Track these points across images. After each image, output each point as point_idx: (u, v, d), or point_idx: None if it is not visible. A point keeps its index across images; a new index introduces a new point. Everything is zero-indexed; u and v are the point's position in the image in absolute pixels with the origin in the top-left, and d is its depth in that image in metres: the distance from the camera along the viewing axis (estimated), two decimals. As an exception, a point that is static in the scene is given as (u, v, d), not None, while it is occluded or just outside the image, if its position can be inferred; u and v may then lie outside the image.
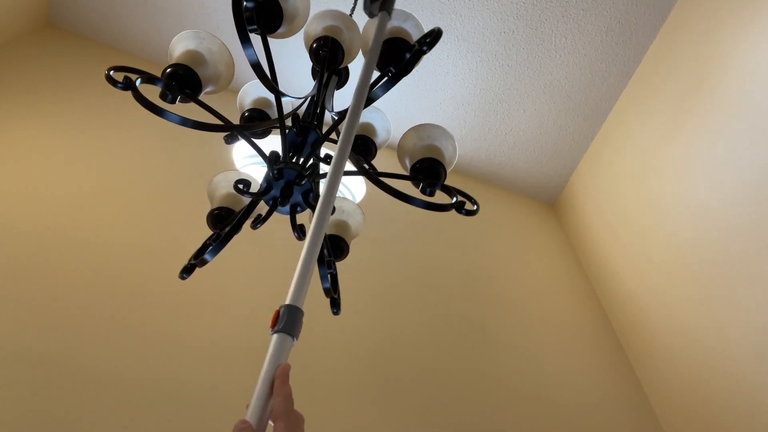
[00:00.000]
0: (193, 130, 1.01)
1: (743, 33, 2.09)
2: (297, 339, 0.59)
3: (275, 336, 0.58)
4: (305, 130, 1.12)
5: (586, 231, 2.90)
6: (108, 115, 2.26)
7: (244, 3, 1.06)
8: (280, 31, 1.15)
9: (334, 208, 1.22)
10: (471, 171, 3.14)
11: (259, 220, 1.12)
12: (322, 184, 0.86)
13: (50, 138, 2.03)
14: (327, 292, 1.17)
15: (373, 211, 2.15)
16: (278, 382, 0.53)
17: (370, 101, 1.03)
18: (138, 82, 0.94)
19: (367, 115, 1.29)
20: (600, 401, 2.14)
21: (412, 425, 1.73)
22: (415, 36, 1.12)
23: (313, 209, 1.06)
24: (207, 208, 1.24)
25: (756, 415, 1.80)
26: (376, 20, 1.09)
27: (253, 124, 1.24)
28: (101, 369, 1.47)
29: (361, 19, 1.27)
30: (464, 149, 3.04)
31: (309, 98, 1.24)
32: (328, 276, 1.16)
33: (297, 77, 2.67)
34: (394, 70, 1.03)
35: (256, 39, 1.11)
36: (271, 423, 0.52)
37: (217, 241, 1.07)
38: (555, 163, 3.08)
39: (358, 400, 1.73)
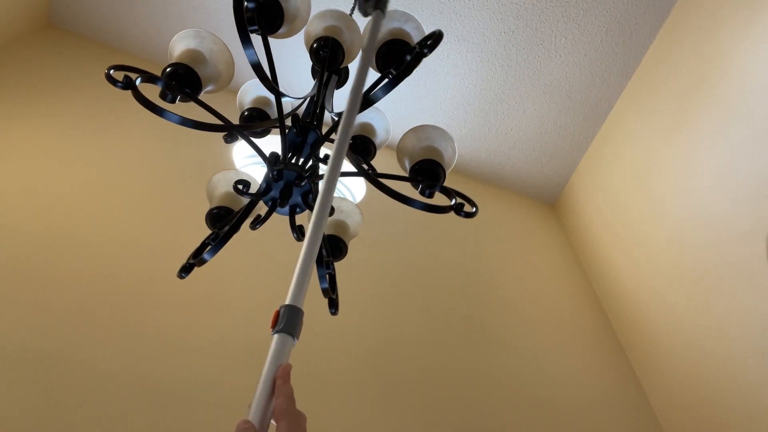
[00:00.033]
0: (193, 129, 1.01)
1: (743, 33, 2.09)
2: (297, 339, 0.59)
3: (276, 336, 0.58)
4: (305, 131, 1.12)
5: (586, 231, 2.90)
6: (108, 115, 2.26)
7: (245, 3, 1.05)
8: (280, 31, 1.15)
9: (333, 208, 1.22)
10: (471, 171, 3.14)
11: (258, 221, 1.12)
12: (321, 185, 0.86)
13: (50, 138, 2.03)
14: (325, 292, 1.17)
15: (374, 210, 2.15)
16: (280, 382, 0.53)
17: (370, 103, 1.03)
18: (138, 81, 0.94)
19: (366, 115, 1.29)
20: (600, 401, 2.14)
21: (412, 425, 1.73)
22: (416, 38, 1.12)
23: (312, 210, 1.06)
24: (207, 207, 1.24)
25: (756, 415, 1.80)
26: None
27: (253, 124, 1.24)
28: (101, 368, 1.47)
29: (361, 19, 1.27)
30: (464, 149, 3.05)
31: (309, 98, 1.24)
32: (327, 276, 1.16)
33: (297, 77, 2.67)
34: (394, 72, 1.03)
35: (255, 39, 1.11)
36: (273, 423, 0.52)
37: (215, 241, 1.07)
38: (555, 163, 3.08)
39: (358, 400, 1.73)
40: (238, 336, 1.70)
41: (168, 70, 1.00)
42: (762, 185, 1.89)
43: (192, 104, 1.03)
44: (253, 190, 1.11)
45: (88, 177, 1.96)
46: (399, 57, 1.08)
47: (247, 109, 1.29)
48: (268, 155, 1.07)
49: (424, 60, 2.78)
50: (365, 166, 1.18)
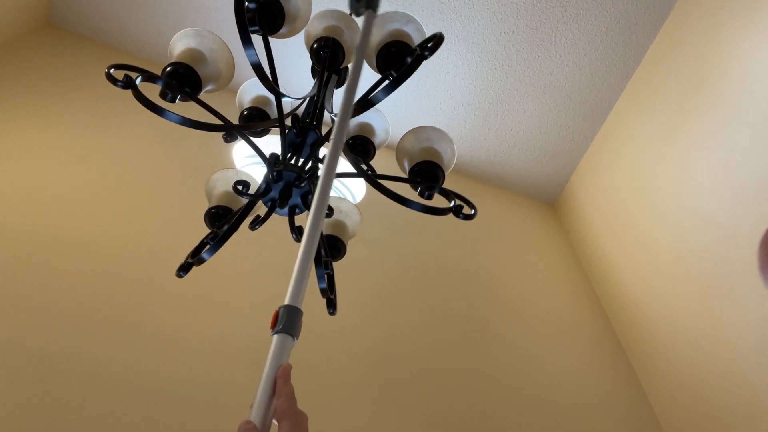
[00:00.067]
0: (193, 129, 1.01)
1: (743, 33, 2.09)
2: (297, 339, 0.59)
3: (276, 336, 0.58)
4: (304, 131, 1.12)
5: (586, 231, 2.90)
6: (108, 115, 2.26)
7: (246, 3, 1.05)
8: (281, 31, 1.15)
9: (331, 209, 1.22)
10: (471, 171, 3.14)
11: (258, 222, 1.12)
12: (317, 185, 0.86)
13: (50, 138, 2.03)
14: (323, 292, 1.17)
15: (373, 210, 2.15)
16: (280, 382, 0.54)
17: (371, 104, 1.03)
18: (138, 80, 0.94)
19: (365, 115, 1.29)
20: (600, 401, 2.14)
21: (412, 425, 1.73)
22: (416, 39, 1.12)
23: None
24: (206, 207, 1.24)
25: (756, 415, 1.80)
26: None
27: (253, 123, 1.24)
28: (101, 368, 1.47)
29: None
30: (464, 149, 3.04)
31: (308, 98, 1.23)
32: (325, 276, 1.16)
33: (297, 77, 2.67)
34: (395, 74, 1.03)
35: (256, 38, 1.11)
36: (275, 422, 0.52)
37: (214, 240, 1.07)
38: (555, 163, 3.08)
39: (358, 400, 1.73)
40: (238, 336, 1.70)
41: (168, 69, 1.00)
42: (762, 185, 1.89)
43: (192, 104, 1.03)
44: (252, 190, 1.11)
45: (88, 177, 1.96)
46: (399, 59, 1.08)
47: (247, 109, 1.29)
48: (267, 155, 1.07)
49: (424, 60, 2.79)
50: (364, 167, 1.18)
